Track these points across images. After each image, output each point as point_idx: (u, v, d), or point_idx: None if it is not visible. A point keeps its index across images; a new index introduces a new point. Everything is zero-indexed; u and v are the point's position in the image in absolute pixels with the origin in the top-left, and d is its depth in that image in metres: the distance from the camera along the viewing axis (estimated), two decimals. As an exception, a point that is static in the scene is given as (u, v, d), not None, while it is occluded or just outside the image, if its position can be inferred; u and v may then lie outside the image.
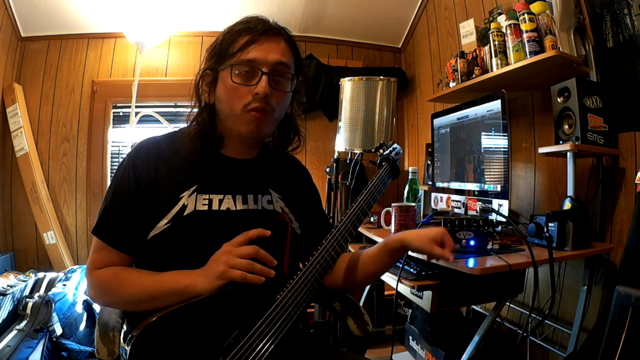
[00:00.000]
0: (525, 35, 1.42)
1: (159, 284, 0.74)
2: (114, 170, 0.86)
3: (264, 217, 0.86)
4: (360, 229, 1.81)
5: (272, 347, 0.71)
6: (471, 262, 1.08)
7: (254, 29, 0.81)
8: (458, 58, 1.81)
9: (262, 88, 0.79)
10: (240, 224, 0.79)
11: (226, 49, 0.82)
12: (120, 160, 0.86)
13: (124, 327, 0.83)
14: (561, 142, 1.35)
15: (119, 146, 2.64)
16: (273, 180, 0.93)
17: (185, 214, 0.79)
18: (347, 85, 2.05)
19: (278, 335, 0.72)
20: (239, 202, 0.85)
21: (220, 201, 0.83)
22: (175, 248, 0.79)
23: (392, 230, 1.59)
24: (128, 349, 0.65)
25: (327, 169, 2.20)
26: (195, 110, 0.88)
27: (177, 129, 0.91)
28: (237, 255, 0.71)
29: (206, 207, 0.81)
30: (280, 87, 0.83)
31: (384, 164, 1.03)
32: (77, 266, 2.24)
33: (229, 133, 0.87)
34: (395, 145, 1.10)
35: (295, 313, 0.75)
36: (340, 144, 2.10)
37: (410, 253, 1.23)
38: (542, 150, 1.38)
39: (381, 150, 1.06)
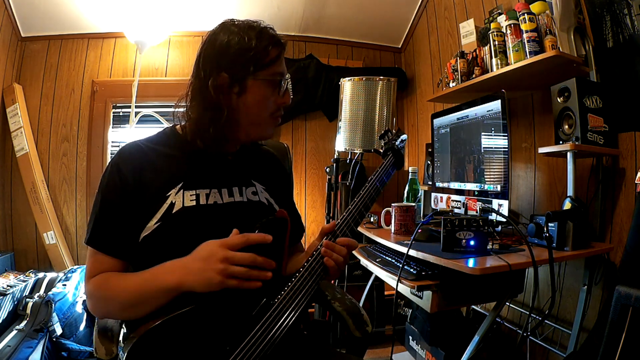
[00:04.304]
0: (525, 35, 1.42)
1: (147, 282, 0.73)
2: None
3: (254, 210, 0.87)
4: (360, 229, 1.81)
5: (272, 347, 0.71)
6: (471, 262, 1.08)
7: (280, 42, 0.87)
8: (458, 58, 1.81)
9: (289, 99, 0.89)
10: (228, 216, 0.82)
11: (258, 58, 0.83)
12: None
13: (123, 327, 0.83)
14: (561, 142, 1.35)
15: (119, 146, 2.63)
16: (255, 173, 0.95)
17: (174, 211, 0.79)
18: (347, 85, 2.05)
19: (278, 335, 0.72)
20: (225, 195, 0.86)
21: (207, 195, 0.84)
22: (167, 246, 0.78)
23: (392, 230, 1.59)
24: (124, 358, 0.65)
25: (327, 169, 2.20)
26: (200, 109, 0.85)
27: (159, 131, 0.92)
28: (234, 262, 0.70)
29: (194, 203, 0.82)
30: None
31: (389, 153, 1.01)
32: (77, 266, 2.24)
33: (238, 135, 0.89)
34: (401, 134, 1.07)
35: (295, 313, 0.75)
36: (340, 144, 2.10)
37: (410, 253, 1.23)
38: (542, 150, 1.38)
39: (387, 137, 1.04)
